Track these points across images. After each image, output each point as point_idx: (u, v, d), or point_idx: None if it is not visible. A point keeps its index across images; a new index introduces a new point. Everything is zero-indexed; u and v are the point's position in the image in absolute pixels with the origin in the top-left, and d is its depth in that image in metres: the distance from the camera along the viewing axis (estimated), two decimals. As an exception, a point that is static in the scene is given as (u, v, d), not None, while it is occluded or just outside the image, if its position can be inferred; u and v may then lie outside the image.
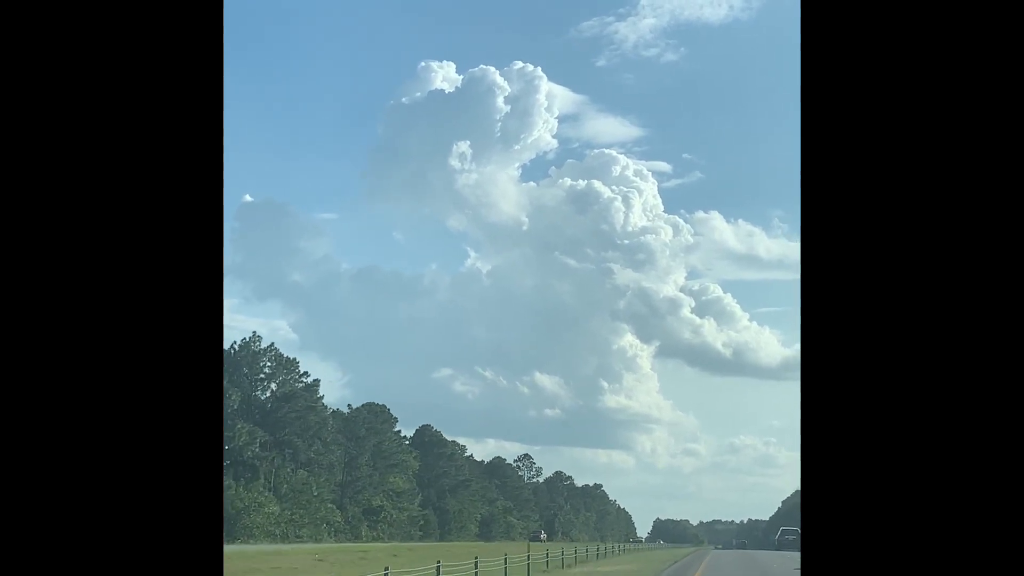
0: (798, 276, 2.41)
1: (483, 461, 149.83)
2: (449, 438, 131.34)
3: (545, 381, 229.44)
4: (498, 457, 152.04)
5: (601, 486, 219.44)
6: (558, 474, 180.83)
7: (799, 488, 2.49)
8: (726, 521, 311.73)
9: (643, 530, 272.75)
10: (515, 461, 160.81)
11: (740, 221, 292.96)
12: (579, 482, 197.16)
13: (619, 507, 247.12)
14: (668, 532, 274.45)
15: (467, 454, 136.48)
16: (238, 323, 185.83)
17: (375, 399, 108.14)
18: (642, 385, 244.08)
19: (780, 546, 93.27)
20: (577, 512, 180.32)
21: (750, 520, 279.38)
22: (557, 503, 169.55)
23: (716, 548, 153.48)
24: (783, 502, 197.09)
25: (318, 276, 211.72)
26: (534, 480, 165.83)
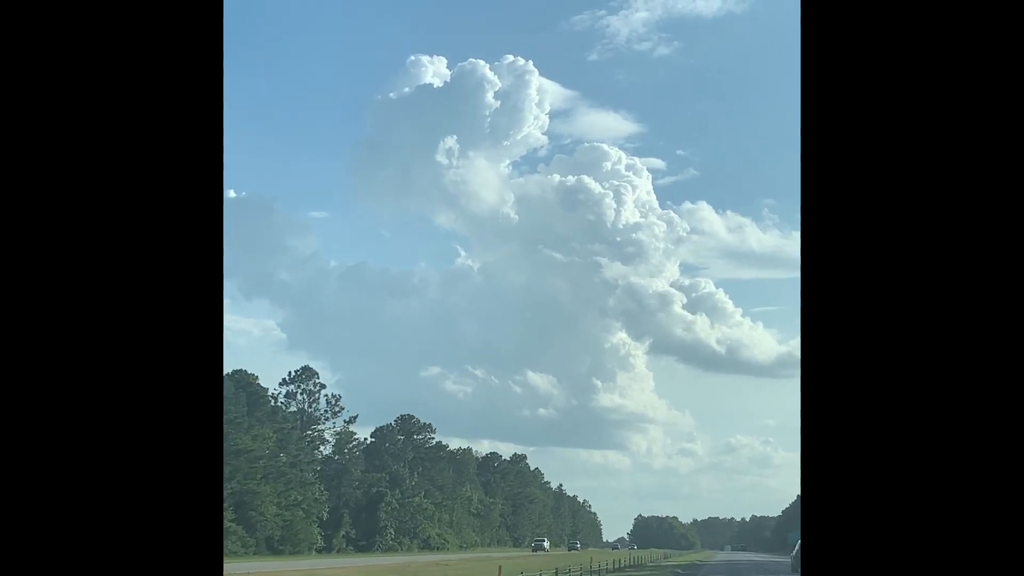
0: (792, 274, 2.07)
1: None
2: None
3: (538, 380, 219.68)
4: (242, 370, 76.35)
5: (524, 457, 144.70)
6: (406, 420, 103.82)
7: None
8: (724, 519, 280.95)
9: (623, 529, 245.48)
10: (282, 384, 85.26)
11: (729, 212, 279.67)
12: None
13: (562, 492, 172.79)
14: (651, 533, 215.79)
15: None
16: (228, 323, 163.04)
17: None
18: (636, 384, 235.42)
19: (797, 567, 56.02)
20: (442, 492, 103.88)
21: (753, 517, 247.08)
22: (392, 471, 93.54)
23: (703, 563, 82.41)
24: (799, 496, 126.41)
25: (306, 274, 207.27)
26: (334, 428, 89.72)
